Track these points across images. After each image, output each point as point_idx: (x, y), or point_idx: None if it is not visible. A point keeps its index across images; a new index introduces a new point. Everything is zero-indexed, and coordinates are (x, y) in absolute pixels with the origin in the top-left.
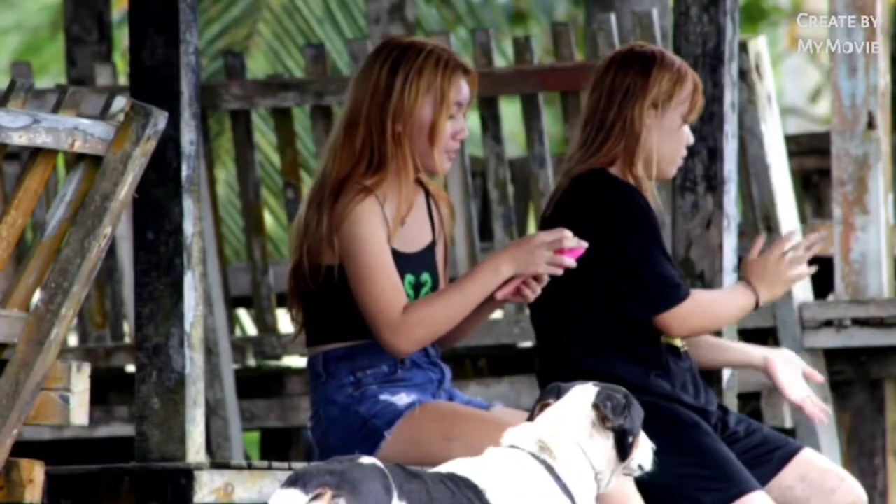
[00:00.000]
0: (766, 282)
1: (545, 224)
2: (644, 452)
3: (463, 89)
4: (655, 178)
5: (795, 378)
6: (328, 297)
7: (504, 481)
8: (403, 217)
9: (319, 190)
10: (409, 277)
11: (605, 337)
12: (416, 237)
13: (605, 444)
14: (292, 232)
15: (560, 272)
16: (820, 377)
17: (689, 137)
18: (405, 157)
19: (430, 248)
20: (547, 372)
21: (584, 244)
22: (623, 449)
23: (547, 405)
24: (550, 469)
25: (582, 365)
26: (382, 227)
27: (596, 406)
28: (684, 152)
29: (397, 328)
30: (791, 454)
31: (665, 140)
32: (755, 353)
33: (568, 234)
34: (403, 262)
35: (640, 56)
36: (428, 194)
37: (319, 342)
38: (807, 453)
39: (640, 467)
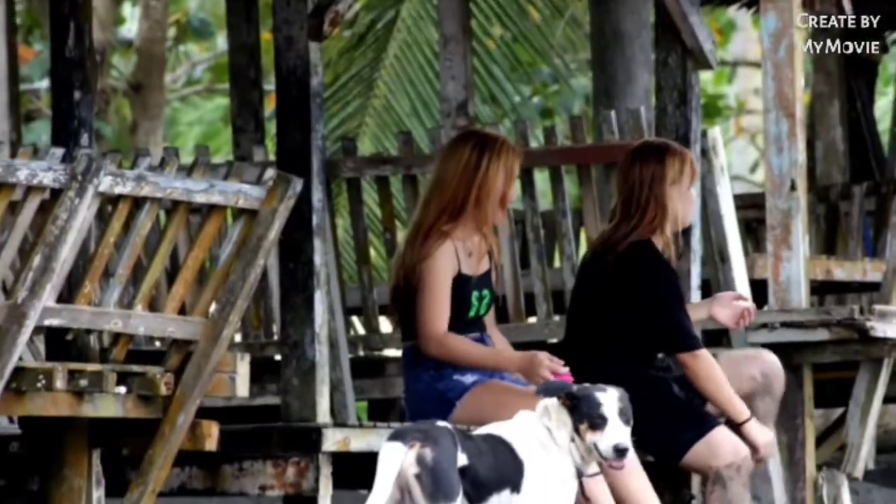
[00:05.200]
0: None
1: (590, 268)
2: (611, 437)
3: (517, 168)
4: (681, 228)
5: (731, 314)
6: (414, 308)
7: (525, 437)
8: (472, 252)
9: (415, 234)
10: (475, 292)
11: (628, 354)
12: (479, 266)
13: (562, 416)
14: (392, 263)
15: (552, 377)
16: (746, 298)
17: (695, 195)
18: (485, 213)
19: (488, 273)
20: (584, 372)
21: (566, 371)
22: (579, 417)
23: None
24: (549, 431)
25: (610, 367)
26: (451, 265)
27: (559, 398)
28: (694, 207)
29: (432, 339)
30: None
31: (683, 203)
32: (701, 313)
33: (559, 369)
34: (473, 281)
35: (654, 148)
36: (484, 237)
37: (410, 338)
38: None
39: (616, 448)
